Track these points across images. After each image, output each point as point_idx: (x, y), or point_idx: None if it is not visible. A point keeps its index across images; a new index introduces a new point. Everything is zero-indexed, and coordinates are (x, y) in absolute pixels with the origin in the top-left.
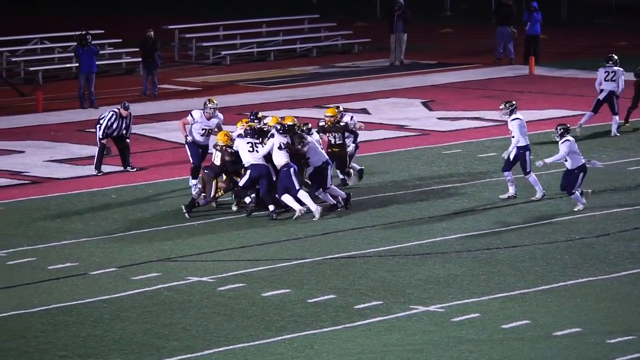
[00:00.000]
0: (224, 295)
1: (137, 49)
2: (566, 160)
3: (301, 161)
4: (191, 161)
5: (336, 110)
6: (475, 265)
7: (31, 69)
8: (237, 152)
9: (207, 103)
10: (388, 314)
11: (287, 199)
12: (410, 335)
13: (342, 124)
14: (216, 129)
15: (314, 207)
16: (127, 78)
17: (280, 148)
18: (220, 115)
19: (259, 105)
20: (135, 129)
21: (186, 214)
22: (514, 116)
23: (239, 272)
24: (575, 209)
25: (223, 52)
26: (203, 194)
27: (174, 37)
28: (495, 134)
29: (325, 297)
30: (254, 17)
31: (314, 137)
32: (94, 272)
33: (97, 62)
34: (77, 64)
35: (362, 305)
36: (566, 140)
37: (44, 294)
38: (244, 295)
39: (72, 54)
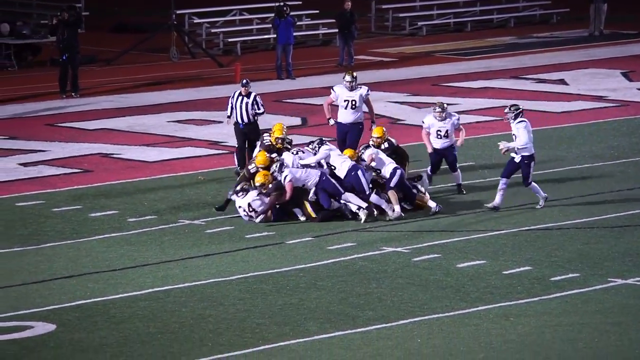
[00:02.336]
0: (419, 265)
1: (334, 20)
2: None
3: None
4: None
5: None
6: None
7: (230, 40)
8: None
9: (345, 75)
10: (585, 287)
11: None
12: (608, 308)
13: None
14: (356, 102)
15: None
16: (324, 49)
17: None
18: (365, 88)
19: (455, 76)
20: None
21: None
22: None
23: (433, 243)
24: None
25: (419, 23)
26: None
27: (370, 8)
28: None
29: (521, 268)
30: None
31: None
32: (290, 242)
33: (295, 33)
34: (275, 35)
35: (558, 277)
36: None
37: (242, 262)
38: (438, 266)
39: (270, 25)
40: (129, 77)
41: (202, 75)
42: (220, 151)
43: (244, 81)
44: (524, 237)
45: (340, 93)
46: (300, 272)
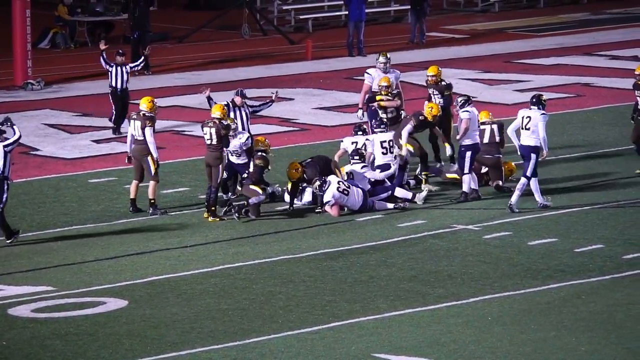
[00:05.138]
0: (490, 243)
1: None
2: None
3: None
4: None
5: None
6: None
7: (301, 17)
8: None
9: (379, 57)
10: None
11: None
12: None
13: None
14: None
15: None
16: (396, 26)
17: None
18: (398, 72)
19: (528, 53)
20: (404, 76)
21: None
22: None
23: (504, 220)
24: None
25: None
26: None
27: None
28: None
29: (593, 246)
30: None
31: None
32: (360, 219)
33: (366, 10)
34: (347, 12)
35: (630, 256)
36: None
37: (312, 239)
38: (509, 243)
39: (342, 2)
40: (200, 55)
41: (274, 53)
42: (291, 128)
43: (242, 91)
44: (595, 214)
45: (376, 76)
46: (370, 249)
